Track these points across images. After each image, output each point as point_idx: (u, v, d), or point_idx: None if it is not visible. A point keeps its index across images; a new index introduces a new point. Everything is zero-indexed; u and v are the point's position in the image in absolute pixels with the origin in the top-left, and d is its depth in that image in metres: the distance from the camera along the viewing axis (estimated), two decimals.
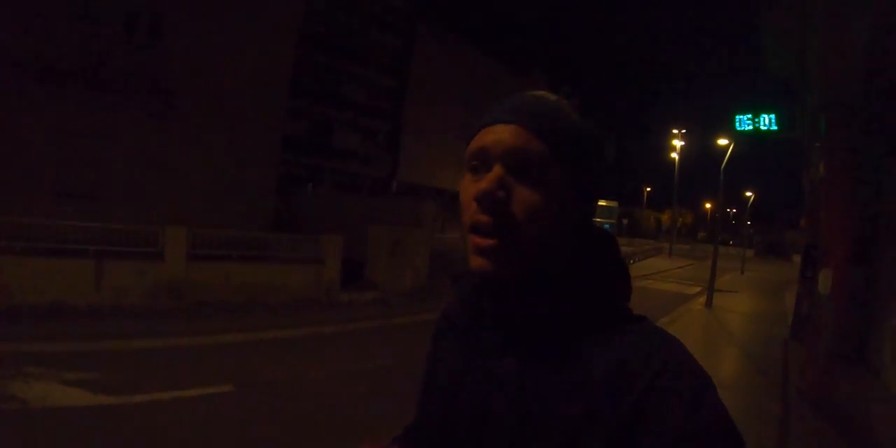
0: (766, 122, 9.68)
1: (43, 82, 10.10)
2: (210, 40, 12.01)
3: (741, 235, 40.46)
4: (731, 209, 65.77)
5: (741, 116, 9.98)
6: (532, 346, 0.70)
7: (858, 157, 6.18)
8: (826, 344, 5.84)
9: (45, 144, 10.23)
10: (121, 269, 7.96)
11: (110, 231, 8.06)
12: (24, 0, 9.69)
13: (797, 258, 14.78)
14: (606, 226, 41.13)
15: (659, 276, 22.18)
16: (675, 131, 40.64)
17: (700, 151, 38.87)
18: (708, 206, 77.67)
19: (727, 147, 14.52)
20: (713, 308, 13.08)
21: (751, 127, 9.80)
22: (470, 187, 0.72)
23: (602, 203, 47.83)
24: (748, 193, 43.06)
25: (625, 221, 61.05)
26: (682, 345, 0.68)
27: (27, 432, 3.99)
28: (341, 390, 5.41)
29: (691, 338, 9.04)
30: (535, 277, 0.70)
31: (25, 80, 9.87)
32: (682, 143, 40.18)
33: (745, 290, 18.77)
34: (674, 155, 40.73)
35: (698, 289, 17.50)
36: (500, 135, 0.71)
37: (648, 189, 77.35)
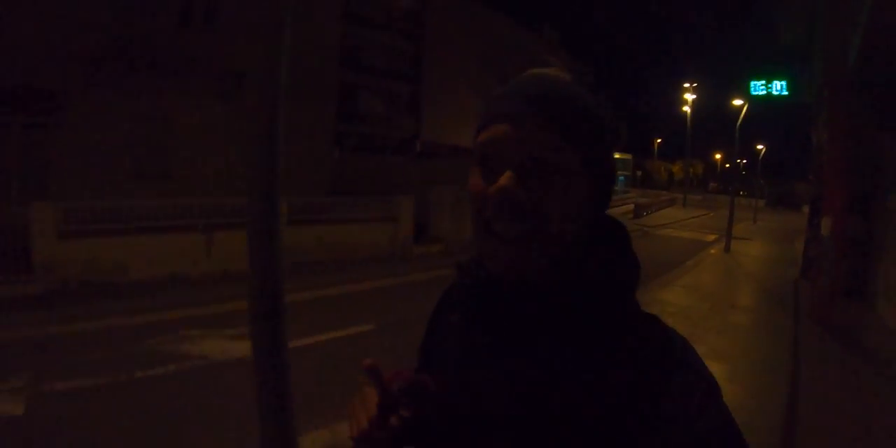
0: (778, 87, 10.92)
1: (117, 72, 10.66)
2: (263, 20, 12.68)
3: (752, 186, 41.05)
4: (743, 160, 66.26)
5: (755, 82, 11.18)
6: (541, 346, 0.67)
7: (856, 125, 7.47)
8: (828, 278, 7.26)
9: (121, 130, 10.87)
10: (228, 239, 8.68)
11: (213, 206, 8.95)
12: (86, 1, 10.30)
13: (806, 209, 16.06)
14: (621, 178, 42.36)
15: (677, 224, 23.59)
16: (686, 85, 41.48)
17: (710, 104, 39.79)
18: (718, 156, 78.20)
19: (741, 107, 15.78)
20: (731, 253, 14.57)
21: (764, 92, 11.04)
22: (480, 182, 0.68)
23: (616, 155, 48.92)
24: (759, 146, 43.77)
25: (639, 173, 62.12)
26: (691, 346, 0.66)
27: (218, 381, 4.62)
28: None
29: (714, 277, 10.52)
30: (551, 276, 0.67)
31: (102, 70, 10.51)
32: (694, 96, 41.07)
33: (759, 238, 20.17)
34: (685, 108, 41.72)
35: (714, 236, 18.93)
36: (515, 129, 0.65)
37: (659, 140, 78.01)
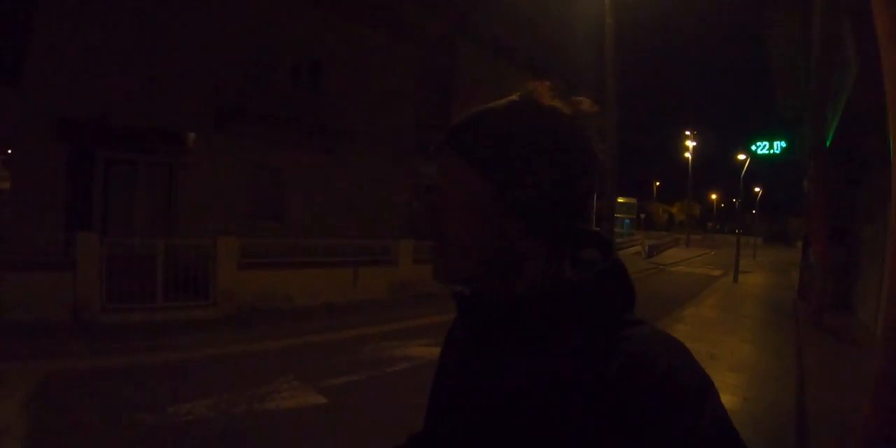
0: (777, 147, 13.93)
1: (237, 122, 11.79)
2: (356, 81, 14.13)
3: (747, 225, 43.67)
4: (738, 199, 68.97)
5: (759, 143, 14.22)
6: (532, 351, 0.68)
7: (830, 183, 10.34)
8: (819, 293, 9.93)
9: (238, 173, 12.09)
10: (369, 273, 10.68)
11: (357, 246, 10.86)
12: (214, 57, 11.30)
13: (799, 244, 18.81)
14: (626, 221, 45.19)
15: (685, 262, 26.45)
16: (687, 133, 45.14)
17: (706, 149, 43.21)
18: (714, 196, 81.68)
19: (744, 161, 19.00)
20: (739, 283, 17.38)
21: (766, 151, 14.05)
22: None
23: (621, 199, 51.81)
24: (756, 189, 47.01)
25: (642, 216, 65.19)
26: (683, 347, 0.66)
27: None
28: None
29: (730, 300, 13.21)
30: (495, 284, 0.73)
31: (223, 119, 11.68)
32: (694, 143, 44.69)
33: (760, 270, 23.03)
34: (687, 155, 45.28)
35: (720, 271, 21.72)
36: (438, 160, 0.75)
37: (658, 183, 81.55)
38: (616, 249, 0.76)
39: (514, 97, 0.74)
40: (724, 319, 10.31)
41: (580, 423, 0.61)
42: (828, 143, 9.45)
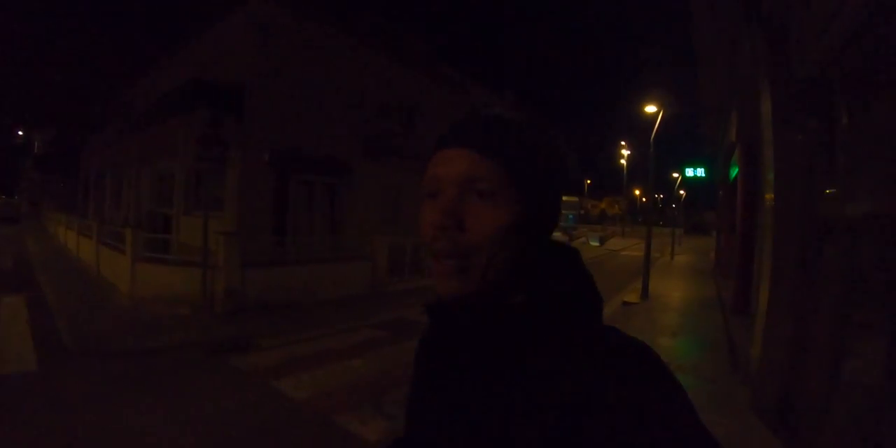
0: (701, 172, 21.57)
1: (373, 154, 15.35)
2: (439, 121, 17.64)
3: (671, 217, 50.01)
4: (660, 195, 77.42)
5: (688, 168, 21.83)
6: (499, 366, 0.70)
7: (725, 205, 17.86)
8: (721, 264, 17.41)
9: (377, 191, 15.70)
10: None
11: None
12: (360, 107, 14.78)
13: (714, 233, 26.33)
14: (570, 216, 52.84)
15: (630, 248, 34.21)
16: (623, 143, 53.86)
17: (633, 151, 51.78)
18: (637, 192, 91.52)
19: (676, 179, 26.78)
20: (675, 260, 25.13)
21: (692, 174, 21.70)
22: (426, 212, 0.76)
23: (565, 198, 60.01)
24: (681, 192, 55.54)
25: (581, 212, 73.93)
26: (651, 351, 0.69)
27: None
28: None
29: (671, 272, 20.56)
30: (499, 297, 0.74)
31: (366, 151, 15.16)
32: (629, 152, 53.44)
33: (686, 253, 30.97)
34: (622, 161, 54.16)
35: (658, 254, 29.47)
36: (451, 160, 0.74)
37: (588, 181, 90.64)
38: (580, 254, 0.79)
39: (500, 111, 0.78)
40: (674, 276, 17.74)
41: (560, 432, 0.61)
42: (731, 179, 16.82)
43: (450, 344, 0.78)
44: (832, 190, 4.57)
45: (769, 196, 5.18)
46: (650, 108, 13.48)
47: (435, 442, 0.75)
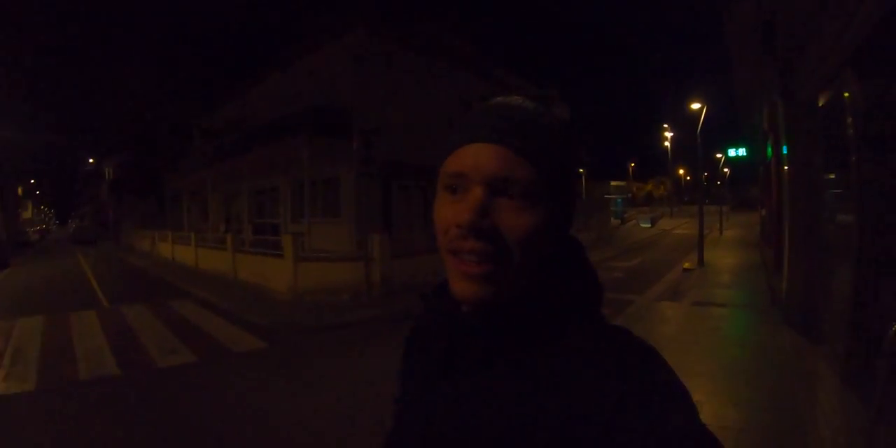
0: (742, 151, 23.67)
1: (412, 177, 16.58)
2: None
3: (713, 194, 48.92)
4: (706, 174, 78.82)
5: (730, 149, 23.94)
6: (508, 364, 0.69)
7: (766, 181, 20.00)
8: (768, 235, 19.53)
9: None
10: None
11: None
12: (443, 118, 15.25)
13: (760, 210, 28.15)
14: (618, 200, 54.61)
15: (680, 227, 36.48)
16: (665, 126, 55.50)
17: (677, 131, 53.31)
18: (681, 171, 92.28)
19: (720, 160, 28.74)
20: (723, 235, 27.25)
21: (734, 154, 23.81)
22: (447, 208, 0.71)
23: (613, 183, 61.86)
24: (725, 170, 56.94)
25: (629, 195, 75.64)
26: (657, 352, 0.68)
27: None
28: None
29: (721, 244, 22.79)
30: (511, 298, 0.70)
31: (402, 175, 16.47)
32: (672, 134, 55.02)
33: (733, 228, 33.06)
34: (666, 143, 55.86)
35: (707, 230, 31.44)
36: (481, 157, 0.69)
37: (633, 164, 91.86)
38: (586, 248, 0.79)
39: (520, 100, 0.75)
40: (724, 248, 20.05)
41: (564, 433, 0.61)
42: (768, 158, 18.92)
43: (455, 341, 0.75)
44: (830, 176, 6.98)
45: (786, 181, 7.66)
46: (695, 105, 15.75)
47: (434, 437, 0.73)
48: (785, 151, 7.77)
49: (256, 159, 18.22)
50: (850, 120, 4.90)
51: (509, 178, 0.68)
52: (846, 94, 5.15)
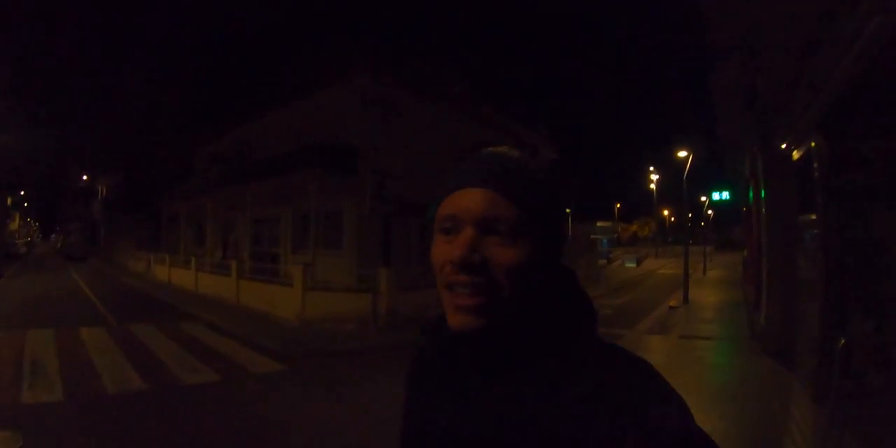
0: (726, 195, 24.73)
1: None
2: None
3: (697, 235, 51.10)
4: (690, 214, 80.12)
5: (714, 192, 25.00)
6: (508, 386, 0.73)
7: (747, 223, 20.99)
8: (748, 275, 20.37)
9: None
10: None
11: None
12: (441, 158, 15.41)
13: (743, 250, 29.23)
14: (604, 240, 55.51)
15: (664, 267, 37.32)
16: (650, 168, 57.08)
17: (662, 174, 54.76)
18: (666, 212, 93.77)
19: (704, 203, 29.92)
20: (707, 276, 28.11)
21: (718, 198, 24.86)
22: (442, 248, 0.77)
23: (599, 223, 63.13)
24: (709, 212, 58.26)
25: (615, 236, 76.77)
26: (652, 367, 0.73)
27: None
28: None
29: (705, 284, 23.61)
30: (510, 324, 0.75)
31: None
32: (657, 176, 56.55)
33: (717, 268, 33.85)
34: (652, 186, 57.42)
35: (691, 270, 32.45)
36: (471, 200, 0.75)
37: (619, 205, 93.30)
38: (578, 278, 0.85)
39: (508, 149, 0.82)
40: (707, 287, 20.86)
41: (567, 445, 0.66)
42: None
43: (455, 369, 0.80)
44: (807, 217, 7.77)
45: (764, 224, 8.46)
46: (681, 153, 16.80)
47: None
48: (763, 196, 8.59)
49: (262, 189, 18.85)
50: (816, 173, 5.68)
51: (496, 217, 0.73)
52: (814, 148, 5.97)
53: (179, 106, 37.29)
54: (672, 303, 15.51)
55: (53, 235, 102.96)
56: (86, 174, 54.60)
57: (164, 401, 6.57)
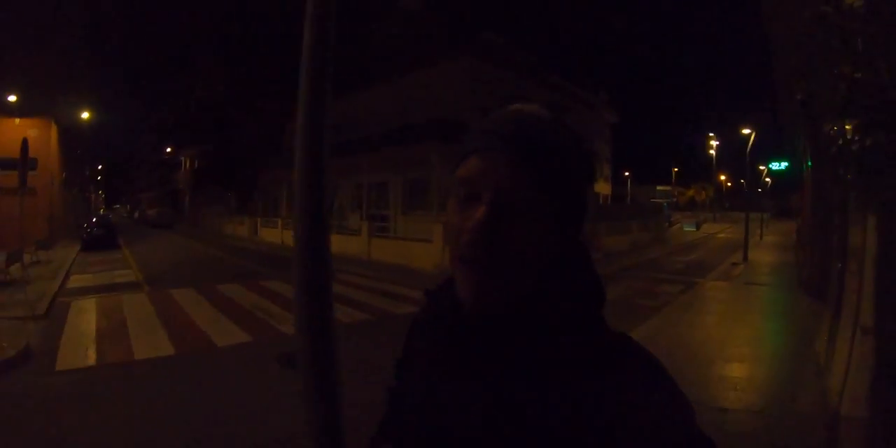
0: (784, 165, 27.31)
1: None
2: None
3: (757, 203, 53.13)
4: (742, 180, 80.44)
5: (772, 163, 27.60)
6: (507, 370, 0.70)
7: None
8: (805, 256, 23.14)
9: None
10: None
11: None
12: None
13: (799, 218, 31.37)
14: (665, 204, 57.68)
15: (723, 232, 39.95)
16: (710, 134, 58.78)
17: (722, 138, 56.40)
18: (723, 177, 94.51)
19: (762, 172, 32.30)
20: (763, 240, 30.78)
21: (777, 167, 27.47)
22: (458, 214, 0.74)
23: (659, 188, 65.18)
24: (767, 180, 59.62)
25: (673, 200, 78.71)
26: (657, 361, 0.71)
27: None
28: None
29: (762, 247, 26.36)
30: (516, 301, 0.73)
31: None
32: (717, 142, 58.35)
33: (773, 235, 36.24)
34: (711, 152, 59.22)
35: (749, 236, 35.18)
36: (491, 164, 0.71)
37: (676, 170, 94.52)
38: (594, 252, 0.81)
39: (536, 108, 0.77)
40: (763, 250, 23.77)
41: (578, 438, 0.63)
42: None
43: (457, 341, 0.77)
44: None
45: (808, 197, 11.51)
46: (745, 131, 19.76)
47: (435, 431, 0.75)
48: (810, 176, 11.64)
49: (374, 158, 21.94)
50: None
51: (517, 187, 0.70)
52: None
53: (271, 77, 39.60)
54: (734, 260, 18.73)
55: (118, 205, 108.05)
56: (170, 147, 57.60)
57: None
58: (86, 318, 9.47)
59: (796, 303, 10.77)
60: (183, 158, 55.14)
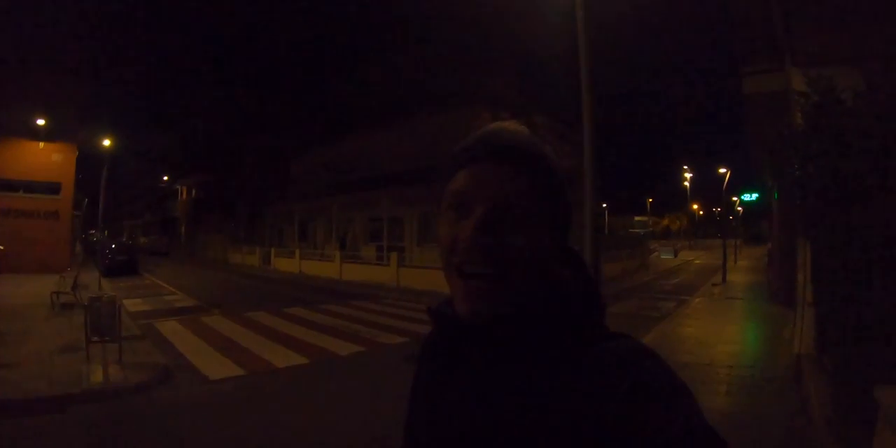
0: (754, 197, 30.43)
1: None
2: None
3: (730, 230, 55.71)
4: (717, 208, 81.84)
5: (744, 194, 30.74)
6: (515, 369, 0.73)
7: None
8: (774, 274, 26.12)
9: None
10: None
11: None
12: None
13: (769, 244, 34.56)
14: (641, 233, 60.51)
15: (699, 258, 42.98)
16: (685, 167, 62.22)
17: (695, 169, 59.69)
18: (695, 207, 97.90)
19: (734, 203, 35.58)
20: (737, 264, 33.73)
21: (748, 198, 30.60)
22: (451, 227, 0.75)
23: (637, 218, 68.22)
24: (738, 208, 62.32)
25: (650, 229, 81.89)
26: (659, 357, 0.71)
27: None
28: None
29: (737, 270, 29.20)
30: (519, 311, 0.74)
31: None
32: (691, 174, 61.76)
33: (746, 259, 39.16)
34: (686, 183, 62.59)
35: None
36: (483, 176, 0.74)
37: (650, 200, 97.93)
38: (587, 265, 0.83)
39: (515, 125, 0.80)
40: (739, 273, 26.66)
41: (571, 436, 0.65)
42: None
43: (460, 356, 0.80)
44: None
45: (775, 222, 14.36)
46: (721, 170, 22.98)
47: (444, 433, 0.78)
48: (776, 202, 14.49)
49: (391, 194, 24.05)
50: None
51: (510, 195, 0.72)
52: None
53: (275, 115, 41.34)
54: (714, 282, 21.66)
55: (94, 231, 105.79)
56: (166, 175, 58.26)
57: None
58: (186, 336, 10.11)
59: (769, 309, 13.56)
60: (179, 187, 55.91)
